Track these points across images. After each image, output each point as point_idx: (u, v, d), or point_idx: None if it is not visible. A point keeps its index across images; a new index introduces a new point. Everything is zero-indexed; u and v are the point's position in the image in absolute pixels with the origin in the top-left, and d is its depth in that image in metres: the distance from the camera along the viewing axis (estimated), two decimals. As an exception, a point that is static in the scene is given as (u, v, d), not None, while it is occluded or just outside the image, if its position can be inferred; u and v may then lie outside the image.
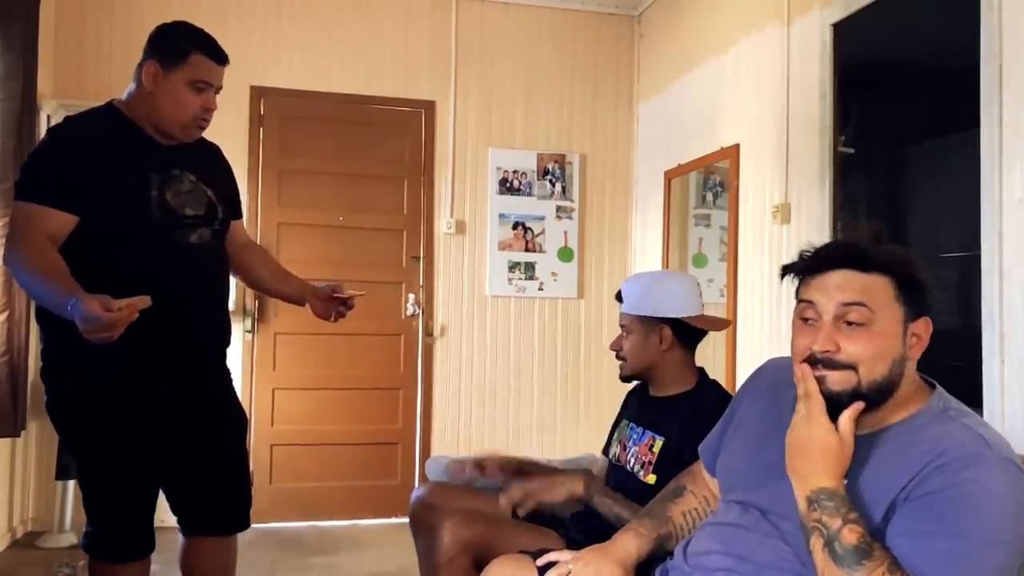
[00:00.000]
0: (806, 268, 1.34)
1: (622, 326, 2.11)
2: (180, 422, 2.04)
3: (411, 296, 4.39)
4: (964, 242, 3.70)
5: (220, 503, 2.14)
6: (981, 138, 2.33)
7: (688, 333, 2.08)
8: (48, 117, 3.77)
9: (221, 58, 2.04)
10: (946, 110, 3.30)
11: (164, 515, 2.07)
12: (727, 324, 2.18)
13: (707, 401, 2.00)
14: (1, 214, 3.25)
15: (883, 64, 3.74)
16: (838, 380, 1.28)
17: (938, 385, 1.37)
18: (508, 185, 4.52)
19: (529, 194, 4.54)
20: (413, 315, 4.39)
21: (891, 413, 1.32)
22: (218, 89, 2.06)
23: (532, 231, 4.54)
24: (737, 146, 3.59)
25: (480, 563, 1.77)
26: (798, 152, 3.19)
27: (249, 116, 4.21)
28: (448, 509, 1.99)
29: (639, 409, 2.13)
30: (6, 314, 3.31)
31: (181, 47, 1.99)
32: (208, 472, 2.11)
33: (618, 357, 2.13)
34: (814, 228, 3.05)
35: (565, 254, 4.59)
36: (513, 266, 4.51)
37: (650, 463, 1.98)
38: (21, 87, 3.35)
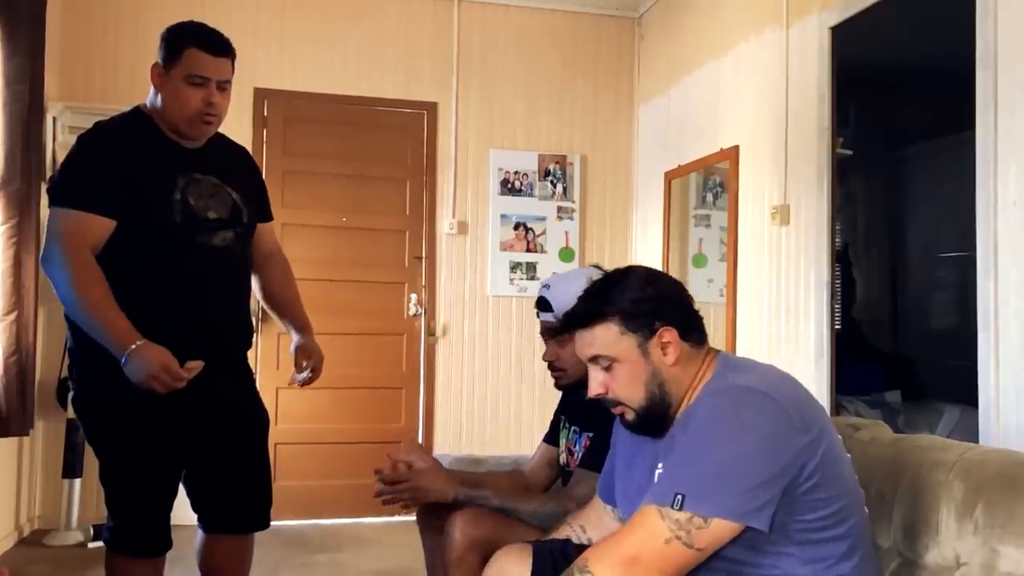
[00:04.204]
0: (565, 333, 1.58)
1: (554, 335, 2.07)
2: (202, 421, 2.06)
3: (413, 296, 4.43)
4: (960, 243, 3.75)
5: (241, 502, 2.17)
6: (976, 142, 2.36)
7: None
8: (54, 120, 3.80)
9: (217, 49, 2.01)
10: (943, 112, 3.34)
11: (174, 512, 2.09)
12: None
13: None
14: (10, 215, 3.29)
15: (881, 67, 3.78)
16: (623, 413, 1.47)
17: (720, 354, 1.49)
18: (509, 186, 4.55)
19: (530, 195, 4.57)
20: (415, 315, 4.43)
21: (683, 402, 1.44)
22: (222, 83, 2.03)
23: (533, 231, 4.57)
24: (737, 148, 3.62)
25: (488, 561, 1.80)
26: (797, 154, 3.23)
27: (253, 118, 4.24)
28: (456, 507, 2.02)
29: (579, 412, 2.12)
30: (14, 315, 3.33)
31: (176, 44, 2.00)
32: (229, 471, 2.14)
33: (553, 368, 2.11)
34: (812, 229, 3.08)
35: (566, 254, 4.62)
36: (514, 266, 4.55)
37: None
38: (28, 90, 3.37)
